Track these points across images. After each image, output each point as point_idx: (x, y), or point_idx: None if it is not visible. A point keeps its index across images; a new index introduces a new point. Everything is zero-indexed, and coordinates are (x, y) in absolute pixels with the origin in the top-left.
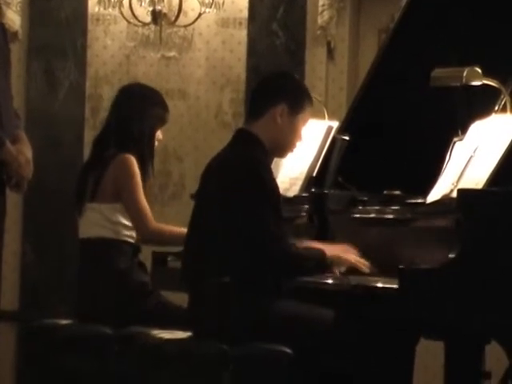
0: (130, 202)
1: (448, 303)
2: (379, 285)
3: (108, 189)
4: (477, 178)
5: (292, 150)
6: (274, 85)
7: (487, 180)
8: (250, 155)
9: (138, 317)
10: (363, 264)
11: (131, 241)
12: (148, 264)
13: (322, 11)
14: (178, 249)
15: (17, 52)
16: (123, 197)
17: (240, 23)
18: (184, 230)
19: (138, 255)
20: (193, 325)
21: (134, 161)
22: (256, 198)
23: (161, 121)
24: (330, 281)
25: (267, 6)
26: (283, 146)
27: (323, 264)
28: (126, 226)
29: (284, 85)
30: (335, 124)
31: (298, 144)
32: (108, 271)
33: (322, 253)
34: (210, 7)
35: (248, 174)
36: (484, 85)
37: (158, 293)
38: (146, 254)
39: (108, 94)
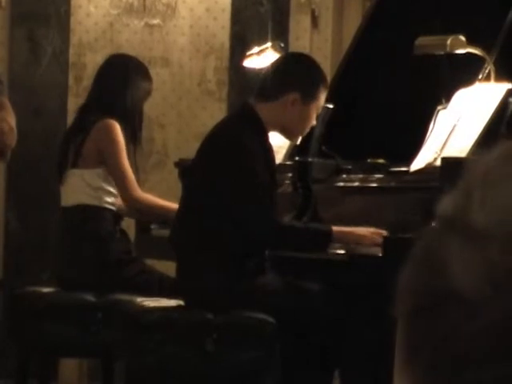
0: (115, 168)
1: None
2: (363, 253)
3: (90, 154)
4: (460, 146)
5: (303, 135)
6: (291, 70)
7: (471, 148)
8: (236, 132)
9: (120, 284)
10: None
11: (113, 208)
12: (132, 232)
13: None
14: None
15: (0, 19)
16: (107, 162)
17: None
18: (169, 204)
19: (119, 222)
20: (181, 293)
21: (117, 126)
22: (233, 176)
23: (148, 94)
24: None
25: None
26: (293, 132)
27: (321, 240)
28: (108, 192)
29: (300, 72)
30: None
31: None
32: (89, 238)
33: (323, 230)
34: None
35: (225, 151)
36: (468, 53)
37: (141, 261)
38: (129, 222)
39: (91, 62)
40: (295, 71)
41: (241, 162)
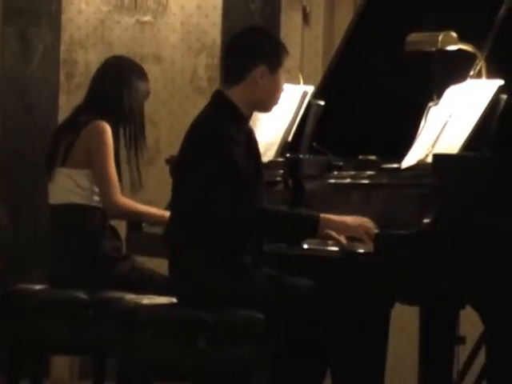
0: (99, 170)
1: (423, 268)
2: (355, 249)
3: (80, 154)
4: (452, 142)
5: (277, 103)
6: (249, 46)
7: (462, 145)
8: (212, 121)
9: (111, 282)
10: (366, 236)
11: (101, 206)
12: (123, 229)
13: None
14: None
15: None
16: (93, 164)
17: None
18: (148, 209)
19: (108, 220)
20: (173, 291)
21: (108, 128)
22: (213, 165)
23: (146, 95)
24: (305, 246)
25: None
26: (268, 104)
27: (308, 227)
28: (96, 192)
29: (259, 44)
30: (310, 89)
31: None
32: (79, 236)
33: (310, 216)
34: None
35: (205, 141)
36: (459, 49)
37: (132, 258)
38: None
39: (83, 59)
40: (255, 44)
41: (219, 151)
